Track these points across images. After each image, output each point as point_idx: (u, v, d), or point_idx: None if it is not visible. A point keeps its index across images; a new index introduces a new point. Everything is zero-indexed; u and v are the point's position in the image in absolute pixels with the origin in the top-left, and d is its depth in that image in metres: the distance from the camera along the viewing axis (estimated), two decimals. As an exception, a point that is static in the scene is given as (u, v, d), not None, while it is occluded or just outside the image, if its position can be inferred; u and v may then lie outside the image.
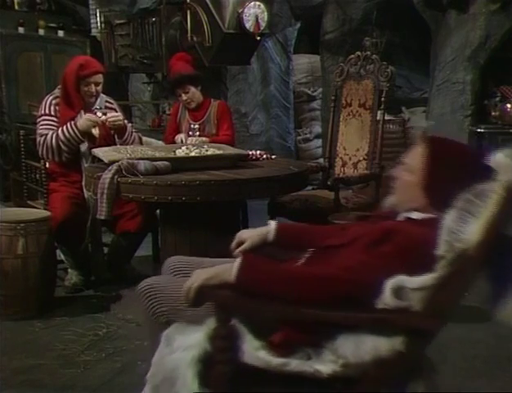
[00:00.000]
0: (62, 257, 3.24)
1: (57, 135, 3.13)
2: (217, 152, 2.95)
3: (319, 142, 6.34)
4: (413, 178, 1.54)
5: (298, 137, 6.43)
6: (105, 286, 3.27)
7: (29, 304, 2.82)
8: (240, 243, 1.76)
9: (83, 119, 3.12)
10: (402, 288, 1.36)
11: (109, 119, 3.17)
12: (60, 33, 5.55)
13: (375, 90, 3.41)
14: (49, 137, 3.14)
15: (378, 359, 1.36)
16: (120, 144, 3.24)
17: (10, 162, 4.85)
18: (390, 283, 1.37)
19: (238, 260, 1.47)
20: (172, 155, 2.99)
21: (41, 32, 5.47)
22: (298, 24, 6.18)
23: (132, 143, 3.29)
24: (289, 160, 3.77)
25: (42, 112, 3.25)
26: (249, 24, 4.67)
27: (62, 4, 6.01)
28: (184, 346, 1.48)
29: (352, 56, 3.61)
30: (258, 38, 4.77)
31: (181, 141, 3.58)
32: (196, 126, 3.64)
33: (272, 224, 1.77)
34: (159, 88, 6.01)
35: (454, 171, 1.49)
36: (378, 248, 1.44)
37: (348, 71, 3.58)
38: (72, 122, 3.13)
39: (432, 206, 1.49)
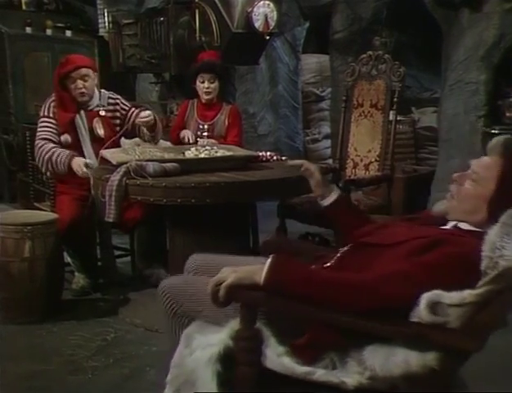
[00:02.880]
0: (69, 260, 3.20)
1: (51, 156, 3.08)
2: (227, 154, 2.90)
3: (328, 142, 6.27)
4: (480, 190, 1.45)
5: (307, 138, 6.37)
6: (113, 290, 3.22)
7: (36, 308, 2.78)
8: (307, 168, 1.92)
9: (78, 165, 3.04)
10: (439, 303, 1.29)
11: (141, 120, 3.14)
12: (68, 33, 5.52)
13: (387, 90, 3.35)
14: (46, 148, 3.11)
15: (408, 373, 1.29)
16: (151, 137, 3.23)
17: (16, 163, 4.81)
18: (427, 297, 1.29)
19: (269, 261, 1.40)
20: (181, 156, 2.94)
21: (48, 32, 5.44)
22: (307, 24, 6.12)
23: (159, 131, 3.30)
24: (298, 160, 3.71)
25: (42, 114, 3.23)
26: (258, 24, 4.61)
27: (70, 4, 5.98)
28: (203, 345, 1.43)
29: (364, 55, 3.56)
30: (267, 37, 4.71)
31: (187, 138, 3.53)
32: (205, 126, 3.60)
33: (337, 191, 1.86)
34: (166, 88, 5.97)
35: None
36: (421, 257, 1.36)
37: (360, 71, 3.52)
38: (69, 157, 3.06)
39: (490, 222, 1.40)
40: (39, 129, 3.19)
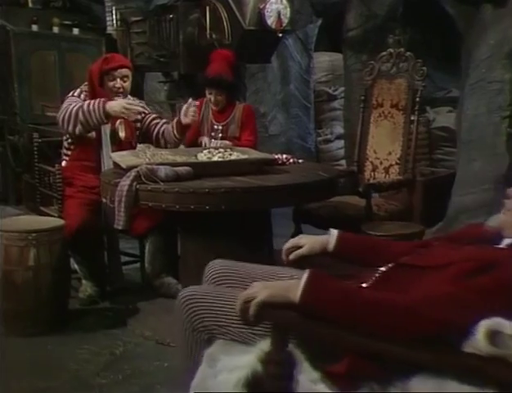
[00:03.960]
0: (76, 267, 3.06)
1: (81, 105, 2.92)
2: (242, 157, 2.75)
3: (340, 143, 6.12)
4: None
5: (319, 138, 6.21)
6: (121, 298, 3.09)
7: (41, 319, 2.64)
8: (296, 248, 1.60)
9: (118, 102, 2.90)
10: (499, 333, 1.14)
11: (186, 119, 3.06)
12: (75, 31, 5.39)
13: (409, 89, 3.20)
14: (73, 104, 2.95)
15: (460, 409, 1.14)
16: (178, 139, 3.14)
17: (22, 164, 4.68)
18: (485, 325, 1.15)
19: (305, 277, 1.25)
20: (193, 159, 2.80)
21: (55, 30, 5.30)
22: (319, 22, 5.97)
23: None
24: (317, 164, 3.58)
25: (71, 95, 3.07)
26: (270, 21, 4.45)
27: (76, 2, 5.85)
28: (230, 368, 1.30)
29: (384, 53, 3.41)
30: (280, 35, 4.56)
31: (205, 144, 3.39)
32: (220, 127, 3.46)
33: (335, 233, 1.60)
34: (175, 87, 5.84)
35: None
36: (472, 280, 1.22)
37: (380, 69, 3.37)
38: (102, 99, 2.92)
39: None
40: (66, 102, 3.00)
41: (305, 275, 1.26)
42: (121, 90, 3.08)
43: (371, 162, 3.34)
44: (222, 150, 2.91)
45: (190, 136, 3.60)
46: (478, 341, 1.15)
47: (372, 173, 3.32)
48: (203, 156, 2.86)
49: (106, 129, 3.07)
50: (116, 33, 5.21)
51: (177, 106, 5.77)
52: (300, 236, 1.66)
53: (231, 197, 2.41)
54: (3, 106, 4.95)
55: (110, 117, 2.94)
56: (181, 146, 3.49)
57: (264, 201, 2.47)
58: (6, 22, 5.01)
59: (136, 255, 3.35)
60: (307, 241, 1.61)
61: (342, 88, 6.35)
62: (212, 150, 2.92)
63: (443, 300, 1.20)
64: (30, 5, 5.49)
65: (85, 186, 3.09)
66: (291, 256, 1.60)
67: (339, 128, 6.22)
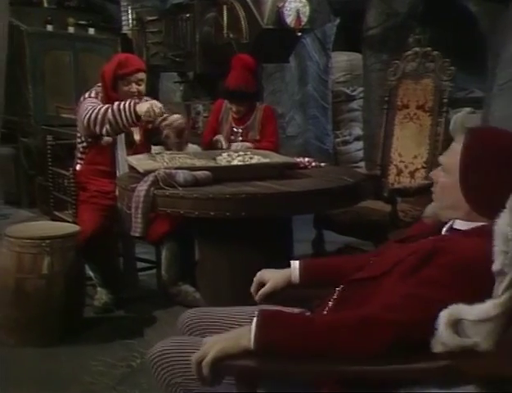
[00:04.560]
0: (91, 274, 2.96)
1: (110, 105, 2.78)
2: (263, 160, 2.64)
3: (359, 144, 5.99)
4: (450, 180, 1.27)
5: (337, 140, 6.09)
6: (137, 306, 2.99)
7: (53, 329, 2.54)
8: (261, 285, 1.54)
9: (148, 104, 2.76)
10: (461, 321, 1.06)
11: (168, 124, 2.88)
12: (91, 30, 5.31)
13: (436, 90, 3.07)
14: (100, 105, 2.82)
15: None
16: (177, 143, 2.95)
17: (35, 167, 4.61)
18: (445, 315, 1.07)
19: (255, 319, 1.17)
20: (212, 163, 2.69)
21: (70, 30, 5.23)
22: (338, 20, 5.84)
23: (186, 140, 3.03)
24: (340, 168, 3.45)
25: (87, 96, 2.95)
26: (289, 19, 4.34)
27: (91, 1, 5.78)
28: None
29: (409, 52, 3.28)
30: (299, 34, 4.44)
31: (220, 144, 3.28)
32: (239, 130, 3.35)
33: (296, 264, 1.53)
34: (190, 88, 5.75)
35: (500, 166, 1.22)
36: (418, 273, 1.16)
37: (405, 69, 3.24)
38: (133, 101, 2.80)
39: (476, 212, 1.23)
40: (87, 104, 2.87)
41: (255, 317, 1.18)
42: (136, 94, 2.97)
43: (396, 166, 3.21)
44: (241, 153, 2.80)
45: (206, 137, 3.50)
46: (442, 333, 1.06)
47: (397, 178, 3.19)
48: (222, 160, 2.75)
49: (122, 139, 2.97)
50: (131, 33, 5.13)
51: (192, 106, 5.69)
52: (262, 271, 1.57)
53: (253, 204, 2.30)
54: (16, 108, 4.88)
55: (140, 119, 2.80)
56: (192, 147, 3.39)
57: (287, 207, 2.35)
58: (20, 22, 4.94)
59: (152, 261, 3.24)
60: (270, 277, 1.54)
61: (360, 89, 6.22)
62: (231, 153, 2.81)
63: (398, 302, 1.14)
64: (45, 5, 5.43)
65: (99, 191, 2.99)
66: (256, 298, 1.54)
67: (357, 130, 6.09)
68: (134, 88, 2.95)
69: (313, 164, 2.89)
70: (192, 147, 3.47)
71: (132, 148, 2.96)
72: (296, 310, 1.47)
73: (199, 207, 2.31)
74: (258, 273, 1.58)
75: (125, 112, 2.75)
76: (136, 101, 2.83)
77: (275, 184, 2.45)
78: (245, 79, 3.31)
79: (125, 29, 5.28)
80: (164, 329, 2.71)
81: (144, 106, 2.75)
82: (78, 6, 5.57)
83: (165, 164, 2.53)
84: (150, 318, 2.84)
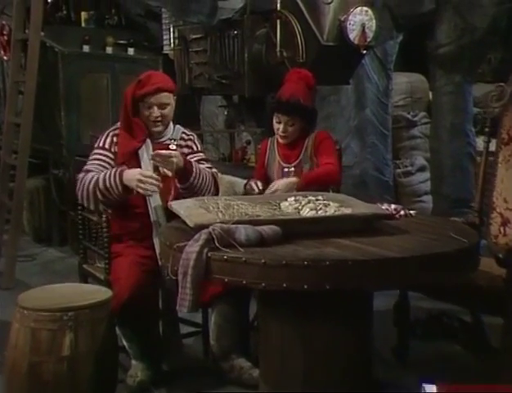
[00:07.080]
0: (124, 343, 2.43)
1: (97, 180, 2.38)
2: (346, 211, 2.06)
3: (422, 176, 5.38)
4: None
5: (398, 170, 5.48)
6: (182, 383, 2.46)
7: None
8: None
9: (132, 175, 2.34)
10: None
11: (155, 156, 2.36)
12: (130, 51, 4.89)
13: (553, 120, 2.46)
14: (88, 177, 2.41)
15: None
16: (182, 189, 2.43)
17: (67, 201, 4.16)
18: None
19: None
20: (277, 210, 2.15)
21: (108, 50, 4.83)
22: (400, 37, 5.27)
23: (203, 189, 2.46)
24: (436, 218, 2.79)
25: (97, 145, 2.54)
26: (353, 35, 3.80)
27: (131, 19, 5.37)
28: None
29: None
30: (364, 51, 3.90)
31: (256, 188, 2.67)
32: (291, 169, 2.74)
33: None
34: (235, 112, 5.27)
35: None
36: None
37: None
38: (119, 169, 2.37)
39: None
40: (88, 161, 2.52)
41: None
42: (159, 119, 2.48)
43: (500, 214, 2.59)
44: (312, 198, 2.24)
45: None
46: None
47: (502, 229, 2.57)
48: (288, 206, 2.20)
49: (147, 165, 2.47)
50: (173, 53, 4.68)
51: (238, 135, 5.19)
52: None
53: (340, 273, 1.73)
54: (48, 136, 4.48)
55: (130, 190, 2.36)
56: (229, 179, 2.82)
57: (386, 277, 1.76)
58: (55, 43, 4.55)
59: (198, 323, 2.70)
60: None
61: (422, 113, 5.67)
62: (299, 197, 2.26)
63: None
64: (83, 24, 5.04)
65: (134, 238, 2.49)
66: None
67: (420, 159, 5.49)
68: (156, 112, 2.46)
69: (401, 212, 2.31)
70: (243, 183, 2.93)
71: (162, 183, 2.41)
72: None
73: (267, 277, 1.75)
74: None
75: (110, 184, 2.35)
76: (122, 169, 2.37)
77: (363, 244, 1.87)
78: (302, 91, 2.73)
79: (166, 49, 4.86)
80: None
81: (129, 178, 2.33)
82: (118, 24, 5.17)
83: (220, 215, 1.99)
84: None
